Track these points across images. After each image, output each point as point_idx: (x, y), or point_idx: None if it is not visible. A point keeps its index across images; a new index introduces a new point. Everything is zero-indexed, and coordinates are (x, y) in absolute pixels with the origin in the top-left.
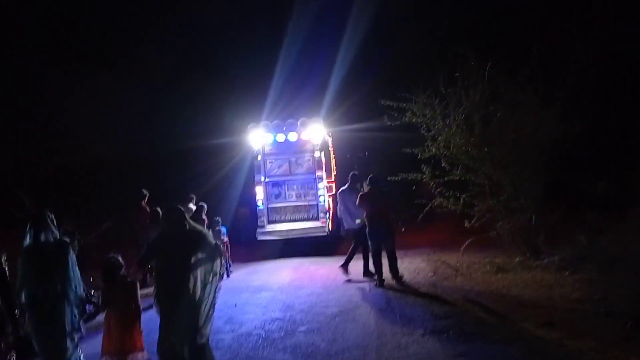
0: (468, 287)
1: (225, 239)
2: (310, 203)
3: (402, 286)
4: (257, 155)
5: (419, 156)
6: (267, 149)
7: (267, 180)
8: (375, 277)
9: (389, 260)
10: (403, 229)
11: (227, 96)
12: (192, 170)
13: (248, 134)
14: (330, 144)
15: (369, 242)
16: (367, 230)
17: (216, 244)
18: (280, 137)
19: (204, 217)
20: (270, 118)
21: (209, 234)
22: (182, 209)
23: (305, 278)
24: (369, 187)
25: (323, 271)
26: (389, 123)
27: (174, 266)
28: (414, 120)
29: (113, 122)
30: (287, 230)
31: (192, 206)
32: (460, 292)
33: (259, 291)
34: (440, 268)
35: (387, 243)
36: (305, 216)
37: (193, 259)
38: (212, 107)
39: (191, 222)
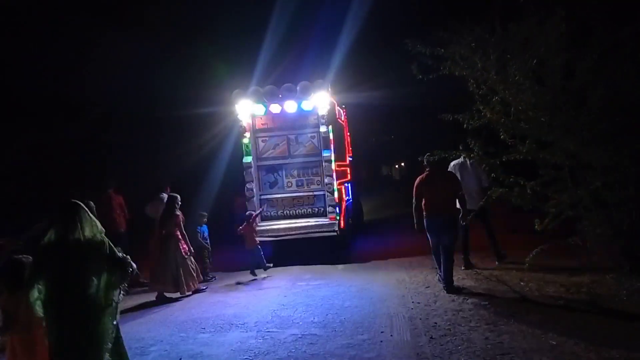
0: (557, 327)
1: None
2: (316, 193)
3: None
4: (245, 132)
5: (465, 125)
6: (259, 123)
7: (259, 163)
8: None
9: (443, 261)
10: (464, 223)
11: (207, 53)
12: (164, 151)
13: (233, 103)
14: (342, 118)
15: (429, 237)
16: (425, 222)
17: (121, 259)
18: (275, 108)
19: (178, 212)
20: (261, 83)
21: (106, 246)
22: (82, 205)
23: (300, 304)
24: (427, 169)
25: (326, 291)
26: (419, 77)
27: (60, 287)
28: (456, 72)
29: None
30: (285, 229)
31: (165, 195)
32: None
33: (227, 329)
34: (497, 289)
35: (446, 238)
36: (309, 210)
37: (83, 279)
38: (187, 66)
39: (91, 224)
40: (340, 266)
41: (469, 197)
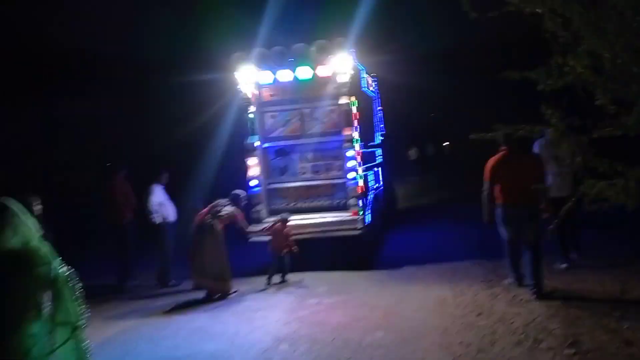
0: None
1: None
2: (335, 182)
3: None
4: (249, 106)
5: (539, 87)
6: (266, 94)
7: (266, 145)
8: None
9: (530, 260)
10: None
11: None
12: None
13: (232, 70)
14: (372, 87)
15: (504, 231)
16: (499, 213)
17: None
18: (285, 75)
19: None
20: (268, 43)
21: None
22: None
23: (303, 338)
24: (504, 148)
25: (342, 315)
26: (473, 15)
27: None
28: (527, 8)
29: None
30: (297, 227)
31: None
32: None
33: None
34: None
35: (530, 233)
36: (327, 203)
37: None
38: (171, 19)
39: (23, 229)
40: (364, 274)
41: (563, 182)
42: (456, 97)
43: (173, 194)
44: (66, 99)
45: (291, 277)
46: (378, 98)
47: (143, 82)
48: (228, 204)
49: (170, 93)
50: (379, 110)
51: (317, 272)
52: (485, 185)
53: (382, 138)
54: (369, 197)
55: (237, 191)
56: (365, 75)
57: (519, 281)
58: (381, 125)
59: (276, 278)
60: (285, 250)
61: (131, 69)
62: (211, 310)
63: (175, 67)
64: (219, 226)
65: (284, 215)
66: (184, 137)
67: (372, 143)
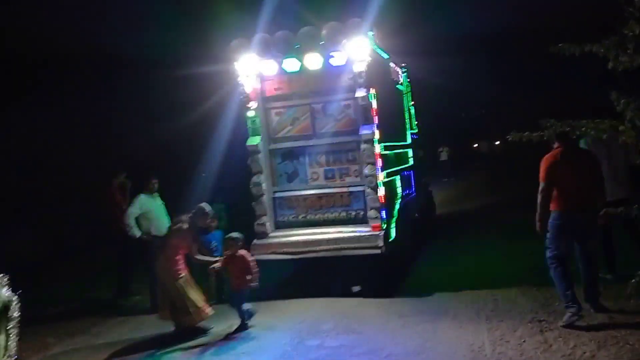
0: None
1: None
2: (352, 189)
3: None
4: (250, 102)
5: (609, 65)
6: (270, 88)
7: (271, 147)
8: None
9: (586, 270)
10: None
11: None
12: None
13: (231, 60)
14: (399, 79)
15: (552, 241)
16: (555, 221)
17: None
18: (291, 64)
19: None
20: (271, 28)
21: None
22: None
23: None
24: (557, 144)
25: None
26: None
27: None
28: None
29: None
30: (307, 243)
31: None
32: None
33: None
34: None
35: (590, 243)
36: (343, 215)
37: None
38: (165, 7)
39: None
40: (383, 303)
41: (617, 183)
42: (498, 88)
43: (167, 202)
44: (48, 97)
45: (294, 303)
46: (409, 91)
47: (128, 77)
48: (188, 219)
49: (160, 89)
50: (411, 105)
51: (326, 299)
52: (542, 187)
53: (414, 136)
54: (395, 207)
55: (202, 205)
56: (391, 64)
57: (579, 312)
58: (415, 123)
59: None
60: (243, 286)
61: (114, 63)
62: (188, 350)
63: (166, 60)
64: (173, 244)
65: (233, 236)
66: (176, 139)
67: (401, 142)
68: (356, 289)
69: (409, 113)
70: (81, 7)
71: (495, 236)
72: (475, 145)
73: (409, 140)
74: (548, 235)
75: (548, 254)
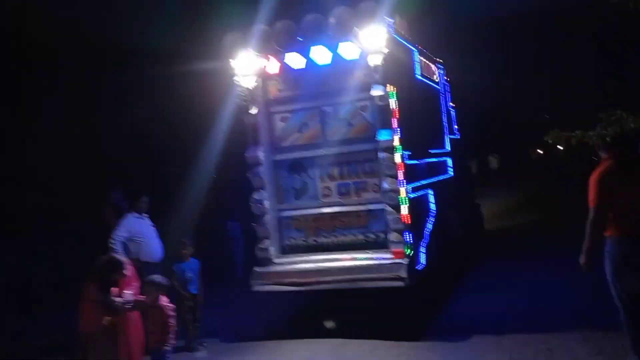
0: None
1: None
2: (370, 207)
3: None
4: (250, 106)
5: None
6: (273, 89)
7: (276, 157)
8: None
9: None
10: None
11: None
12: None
13: (226, 56)
14: (434, 75)
15: (614, 277)
16: (613, 253)
17: None
18: (295, 60)
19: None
20: (271, 19)
21: None
22: None
23: None
24: (607, 156)
25: None
26: None
27: None
28: None
29: None
30: (316, 273)
31: None
32: None
33: None
34: None
35: None
36: (360, 239)
37: None
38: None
39: None
40: (406, 348)
41: None
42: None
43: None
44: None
45: (297, 348)
46: (447, 92)
47: (107, 77)
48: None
49: (143, 91)
50: (450, 107)
51: (335, 339)
52: (592, 214)
53: (455, 143)
54: (426, 227)
55: (153, 277)
56: (421, 58)
57: None
58: (455, 127)
59: None
60: (160, 345)
61: (91, 60)
62: None
63: (152, 57)
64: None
65: (155, 280)
66: (166, 149)
67: (437, 150)
68: (330, 324)
69: (448, 116)
70: None
71: (555, 258)
72: (536, 150)
73: (447, 148)
74: (608, 269)
75: (613, 293)
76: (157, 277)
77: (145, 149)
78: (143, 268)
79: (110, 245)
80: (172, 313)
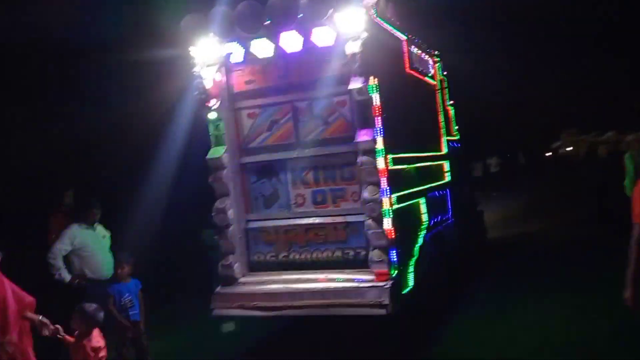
0: None
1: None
2: (350, 219)
3: None
4: (212, 100)
5: None
6: (239, 81)
7: (242, 160)
8: None
9: None
10: None
11: None
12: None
13: (183, 43)
14: (431, 71)
15: None
16: None
17: None
18: (262, 47)
19: None
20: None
21: None
22: None
23: None
24: None
25: None
26: None
27: None
28: None
29: None
30: (286, 295)
31: None
32: None
33: None
34: None
35: None
36: (337, 255)
37: None
38: None
39: None
40: None
41: None
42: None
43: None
44: None
45: None
46: (445, 87)
47: (47, 70)
48: None
49: (91, 84)
50: (449, 105)
51: None
52: (637, 229)
53: (453, 144)
54: (415, 242)
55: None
56: (412, 48)
57: None
58: (455, 128)
59: None
60: None
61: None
62: None
63: (97, 45)
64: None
65: (86, 309)
66: (115, 151)
67: (432, 152)
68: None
69: (446, 115)
70: None
71: (567, 277)
72: (550, 153)
73: (445, 150)
74: None
75: None
76: (92, 306)
77: (95, 150)
78: (90, 286)
79: (48, 260)
80: (103, 355)
